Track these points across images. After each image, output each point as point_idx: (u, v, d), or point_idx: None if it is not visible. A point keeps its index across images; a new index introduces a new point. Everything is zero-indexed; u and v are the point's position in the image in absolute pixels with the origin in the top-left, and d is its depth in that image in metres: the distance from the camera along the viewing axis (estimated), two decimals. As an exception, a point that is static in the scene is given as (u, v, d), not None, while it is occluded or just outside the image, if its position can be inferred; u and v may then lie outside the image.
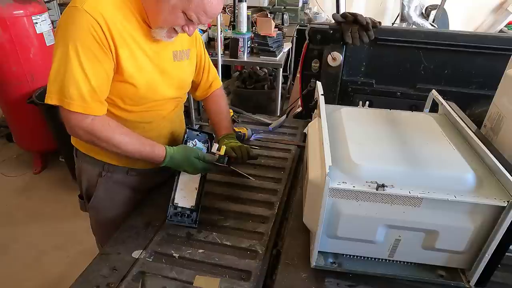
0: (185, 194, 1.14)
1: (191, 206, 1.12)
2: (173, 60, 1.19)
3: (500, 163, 0.83)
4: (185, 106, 3.64)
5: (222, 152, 1.18)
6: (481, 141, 0.93)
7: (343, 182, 0.81)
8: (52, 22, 2.91)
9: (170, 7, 1.00)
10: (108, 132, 1.06)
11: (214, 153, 1.16)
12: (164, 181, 1.32)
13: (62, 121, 1.04)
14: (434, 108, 1.24)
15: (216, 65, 3.03)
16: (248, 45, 2.97)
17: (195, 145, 1.24)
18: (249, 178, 1.32)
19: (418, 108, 1.57)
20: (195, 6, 1.00)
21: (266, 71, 3.64)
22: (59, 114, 1.03)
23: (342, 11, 2.82)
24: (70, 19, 0.97)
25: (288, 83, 4.37)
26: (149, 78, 1.12)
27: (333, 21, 1.71)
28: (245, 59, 2.98)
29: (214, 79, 1.45)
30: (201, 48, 1.35)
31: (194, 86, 1.42)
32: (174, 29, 1.06)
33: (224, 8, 3.61)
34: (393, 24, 4.29)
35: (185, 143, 1.23)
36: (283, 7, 3.99)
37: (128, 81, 1.07)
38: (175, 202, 1.12)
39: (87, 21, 0.95)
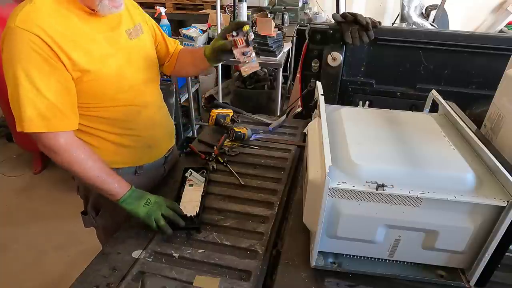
0: (187, 209, 1.16)
1: (193, 215, 1.12)
2: (130, 39, 1.16)
3: (500, 163, 0.83)
4: (184, 106, 3.64)
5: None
6: (481, 141, 0.93)
7: (343, 182, 0.81)
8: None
9: None
10: (85, 151, 1.05)
11: (186, 216, 1.11)
12: (164, 178, 1.36)
13: (41, 149, 1.03)
14: (434, 108, 1.24)
15: (216, 65, 3.03)
16: (248, 45, 2.96)
17: (191, 174, 1.28)
18: (239, 179, 1.31)
19: (418, 108, 1.57)
20: None
21: (266, 71, 3.64)
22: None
23: (342, 11, 2.82)
24: (8, 42, 0.93)
25: (288, 83, 4.37)
26: (115, 66, 1.10)
27: (333, 21, 1.71)
28: (245, 59, 2.97)
29: (176, 44, 1.41)
30: (150, 18, 1.32)
31: (162, 59, 1.38)
32: None
33: (224, 8, 3.61)
34: (393, 24, 4.29)
35: (184, 171, 1.29)
36: (283, 7, 3.99)
37: (98, 78, 1.06)
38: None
39: (26, 38, 0.92)
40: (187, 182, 1.29)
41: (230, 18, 3.37)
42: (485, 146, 0.91)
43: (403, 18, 3.76)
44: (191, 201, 1.19)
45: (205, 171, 1.34)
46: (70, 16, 1.00)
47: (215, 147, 1.49)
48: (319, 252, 0.91)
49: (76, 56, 1.00)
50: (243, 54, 1.14)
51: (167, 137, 1.41)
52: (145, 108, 1.24)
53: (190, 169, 1.29)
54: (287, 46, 3.21)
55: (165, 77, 3.22)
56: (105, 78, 1.07)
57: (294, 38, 3.67)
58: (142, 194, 1.11)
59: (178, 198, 1.21)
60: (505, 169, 0.81)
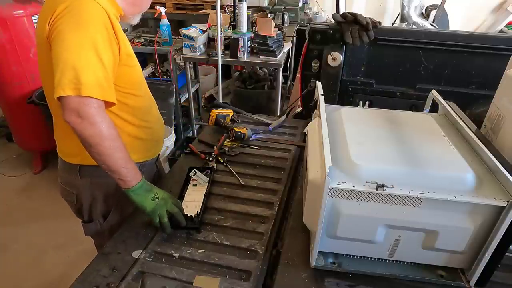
0: (189, 208, 1.16)
1: (194, 214, 1.12)
2: None
3: (500, 163, 0.83)
4: (184, 106, 3.64)
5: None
6: (481, 141, 0.93)
7: (343, 182, 0.81)
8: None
9: None
10: (116, 129, 1.02)
11: (187, 215, 1.11)
12: (165, 178, 1.38)
13: (69, 119, 0.94)
14: (434, 108, 1.24)
15: (216, 65, 3.04)
16: (248, 45, 2.97)
17: (195, 173, 1.29)
18: (239, 180, 1.32)
19: (418, 108, 1.57)
20: None
21: (266, 71, 3.64)
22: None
23: (342, 11, 2.82)
24: (79, 7, 0.97)
25: (288, 83, 4.36)
26: (136, 59, 1.21)
27: (333, 21, 1.71)
28: (245, 59, 2.97)
29: None
30: None
31: None
32: None
33: (224, 8, 3.61)
34: (393, 24, 4.29)
35: (189, 171, 1.30)
36: (283, 7, 3.99)
37: (133, 64, 1.16)
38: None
39: (98, 10, 0.99)
40: (191, 181, 1.29)
41: (230, 18, 3.37)
42: (485, 146, 0.91)
43: (403, 18, 3.76)
44: (193, 200, 1.20)
45: (209, 171, 1.34)
46: (113, 4, 1.10)
47: (215, 147, 1.49)
48: (319, 252, 0.91)
49: (124, 39, 1.10)
50: None
51: (163, 135, 1.48)
52: (153, 103, 1.34)
53: (194, 169, 1.30)
54: (287, 46, 3.21)
55: (165, 77, 3.22)
56: (136, 67, 1.18)
57: (294, 38, 3.67)
58: (151, 187, 1.10)
59: (181, 197, 1.21)
60: (505, 169, 0.81)
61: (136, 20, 1.20)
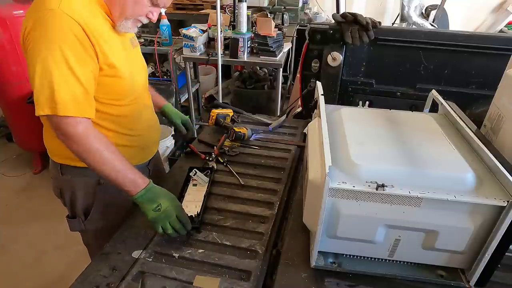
0: (189, 208, 1.16)
1: (194, 214, 1.12)
2: (132, 48, 1.23)
3: (500, 163, 0.83)
4: (184, 106, 3.64)
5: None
6: (481, 141, 0.93)
7: (343, 182, 0.81)
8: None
9: None
10: (102, 142, 1.03)
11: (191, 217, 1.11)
12: (166, 178, 1.37)
13: (59, 137, 1.01)
14: (434, 108, 1.24)
15: (216, 65, 3.04)
16: (248, 45, 2.97)
17: (196, 173, 1.28)
18: (239, 180, 1.31)
19: (418, 108, 1.57)
20: None
21: (266, 71, 3.64)
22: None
23: (342, 11, 2.82)
24: (48, 23, 0.94)
25: (288, 83, 4.37)
26: (130, 69, 1.16)
27: (333, 21, 1.72)
28: (245, 59, 2.98)
29: None
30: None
31: None
32: (139, 19, 1.11)
33: (224, 8, 3.61)
34: (393, 24, 4.29)
35: (189, 171, 1.29)
36: (283, 7, 3.99)
37: (118, 75, 1.10)
38: None
39: (68, 23, 0.94)
40: (191, 181, 1.29)
41: (230, 18, 3.37)
42: (485, 146, 0.91)
43: (403, 18, 3.76)
44: (193, 200, 1.20)
45: (209, 171, 1.34)
46: (97, 13, 1.05)
47: (215, 147, 1.49)
48: (319, 252, 0.91)
49: (107, 49, 1.05)
50: None
51: (157, 140, 1.46)
52: (145, 109, 1.30)
53: (195, 169, 1.29)
54: (287, 46, 3.21)
55: (165, 77, 3.22)
56: (123, 77, 1.12)
57: (294, 38, 3.67)
58: (156, 196, 1.05)
59: (181, 197, 1.21)
60: (505, 169, 0.81)
61: (124, 28, 1.10)
